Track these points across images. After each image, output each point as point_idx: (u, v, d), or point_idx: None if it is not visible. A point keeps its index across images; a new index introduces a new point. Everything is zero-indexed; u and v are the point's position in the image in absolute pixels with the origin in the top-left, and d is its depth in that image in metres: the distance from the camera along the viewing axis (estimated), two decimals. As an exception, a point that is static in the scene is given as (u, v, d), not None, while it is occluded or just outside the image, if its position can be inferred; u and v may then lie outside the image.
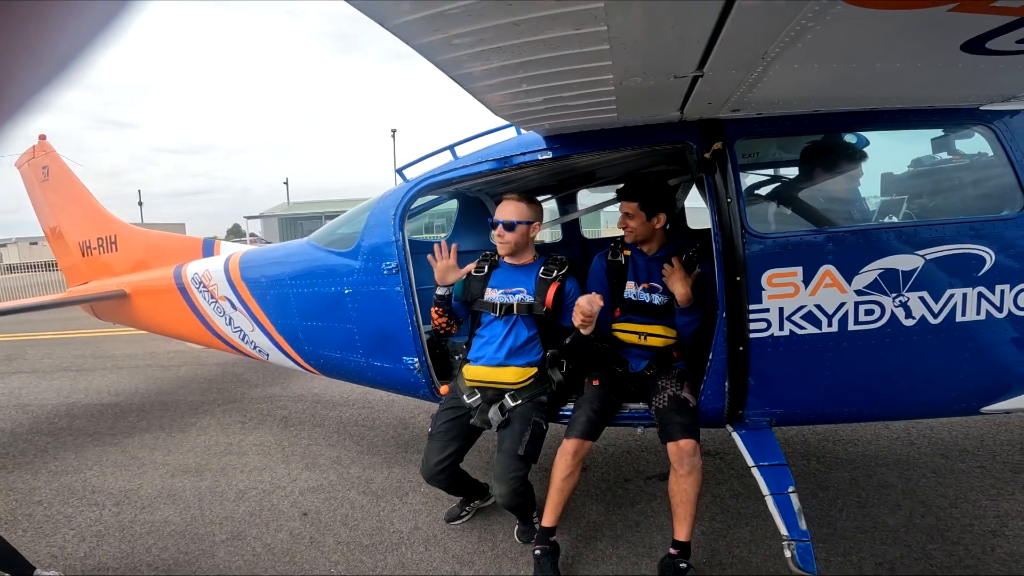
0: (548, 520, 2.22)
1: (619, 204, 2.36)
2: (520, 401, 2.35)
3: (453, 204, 3.68)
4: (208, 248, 3.82)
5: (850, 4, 0.93)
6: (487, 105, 1.65)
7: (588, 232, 4.12)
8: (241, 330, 3.24)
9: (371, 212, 2.56)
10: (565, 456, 2.20)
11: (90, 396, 5.18)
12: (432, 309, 2.44)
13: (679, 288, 2.24)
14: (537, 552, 2.19)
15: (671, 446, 2.10)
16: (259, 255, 3.24)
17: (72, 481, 3.39)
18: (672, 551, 2.16)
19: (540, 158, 2.18)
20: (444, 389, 2.55)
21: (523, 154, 2.21)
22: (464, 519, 2.72)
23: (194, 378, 5.65)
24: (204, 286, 3.34)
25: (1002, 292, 2.03)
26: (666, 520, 2.57)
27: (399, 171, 2.57)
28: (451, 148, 2.45)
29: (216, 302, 3.29)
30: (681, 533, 2.14)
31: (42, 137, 4.48)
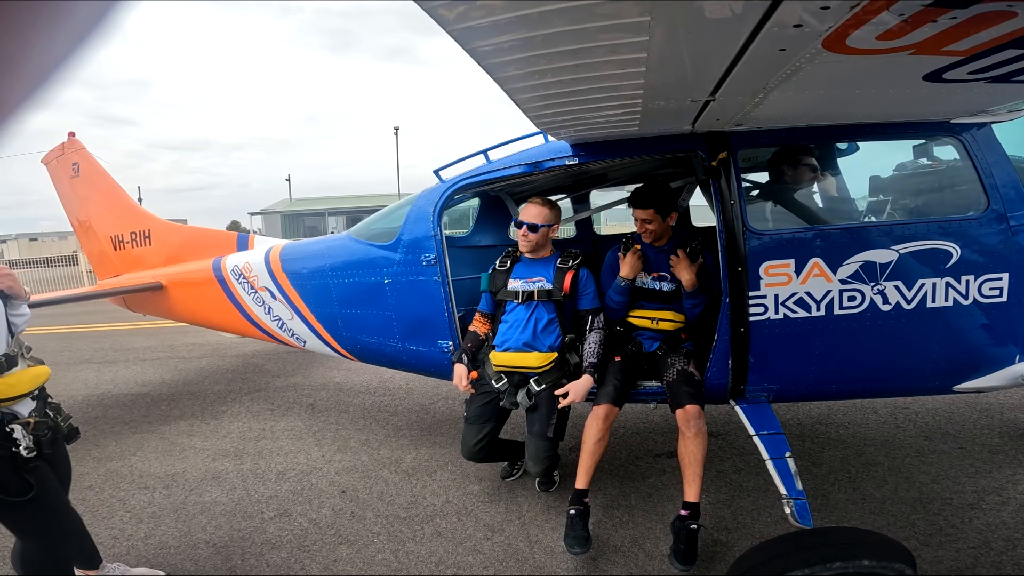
0: (581, 482, 2.48)
1: (633, 211, 2.64)
2: (544, 385, 2.64)
3: (463, 203, 3.97)
4: (243, 242, 4.07)
5: (832, 53, 1.23)
6: (526, 112, 1.90)
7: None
8: (280, 319, 3.50)
9: (411, 209, 2.84)
10: (596, 421, 2.48)
11: (118, 387, 5.41)
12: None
13: (685, 275, 2.54)
14: (572, 512, 2.42)
15: (679, 412, 2.39)
16: (300, 248, 3.51)
17: (119, 467, 3.61)
18: (683, 512, 2.38)
19: (567, 163, 2.48)
20: (474, 375, 2.83)
21: (552, 159, 2.51)
22: (516, 475, 3.16)
23: (216, 369, 5.90)
24: (244, 277, 3.60)
25: (967, 282, 2.33)
26: (675, 492, 2.86)
27: (436, 172, 2.85)
28: (484, 152, 2.74)
29: (256, 292, 3.55)
30: (690, 494, 2.37)
31: (71, 134, 4.70)
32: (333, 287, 3.14)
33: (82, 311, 9.27)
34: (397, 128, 31.36)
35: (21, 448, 1.91)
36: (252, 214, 35.91)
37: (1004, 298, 2.32)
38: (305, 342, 3.48)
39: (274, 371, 5.68)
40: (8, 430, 1.91)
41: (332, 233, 28.11)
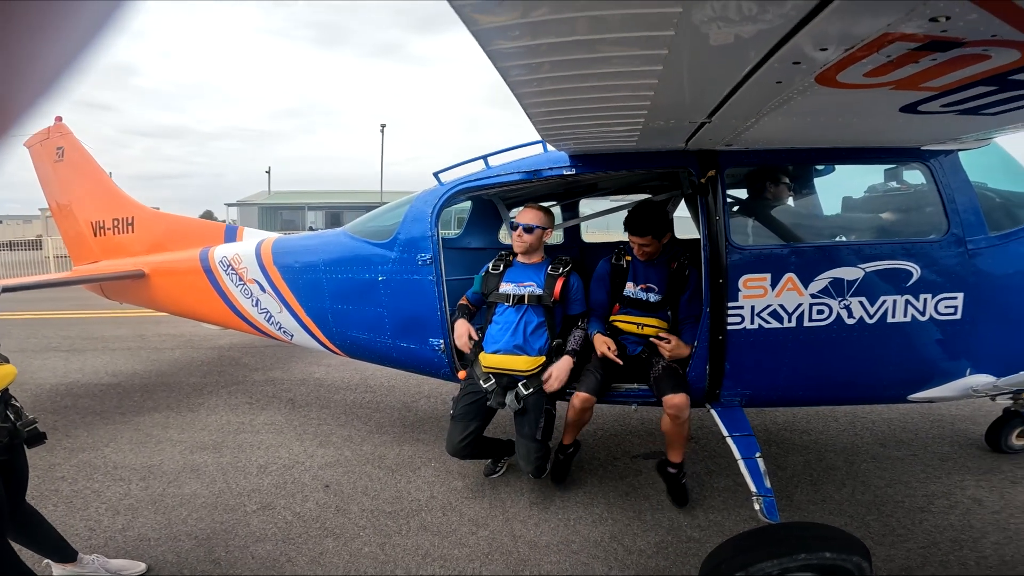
0: (567, 440, 2.98)
1: (631, 236, 2.78)
2: (532, 389, 2.74)
3: (454, 206, 4.05)
4: (231, 234, 4.04)
5: (823, 86, 1.37)
6: (533, 118, 1.94)
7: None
8: (268, 312, 3.49)
9: (409, 209, 2.90)
10: (574, 408, 2.73)
11: (88, 376, 5.24)
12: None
13: (680, 353, 2.68)
14: (561, 457, 3.01)
15: (667, 399, 2.56)
16: (293, 242, 3.52)
17: (91, 458, 3.52)
18: (671, 470, 2.82)
19: (565, 173, 2.59)
20: (462, 374, 2.91)
21: (551, 168, 2.62)
22: (499, 473, 3.24)
23: (191, 361, 5.78)
24: (232, 269, 3.57)
25: (925, 300, 2.53)
26: (651, 491, 3.06)
27: (436, 174, 2.92)
28: (484, 158, 2.82)
29: (244, 284, 3.53)
30: (676, 457, 2.78)
31: (58, 119, 4.57)
32: (325, 282, 3.16)
33: (49, 297, 8.90)
34: (384, 126, 31.24)
35: None
36: (229, 205, 35.00)
37: (958, 316, 2.51)
38: (292, 336, 3.48)
39: (252, 365, 5.60)
40: None
41: (311, 228, 27.68)
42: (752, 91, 1.39)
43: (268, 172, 39.66)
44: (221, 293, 3.69)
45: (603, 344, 2.73)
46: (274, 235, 3.88)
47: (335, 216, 32.24)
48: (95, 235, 4.61)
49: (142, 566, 2.42)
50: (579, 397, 2.70)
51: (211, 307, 3.80)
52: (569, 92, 1.57)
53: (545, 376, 2.73)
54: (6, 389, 2.00)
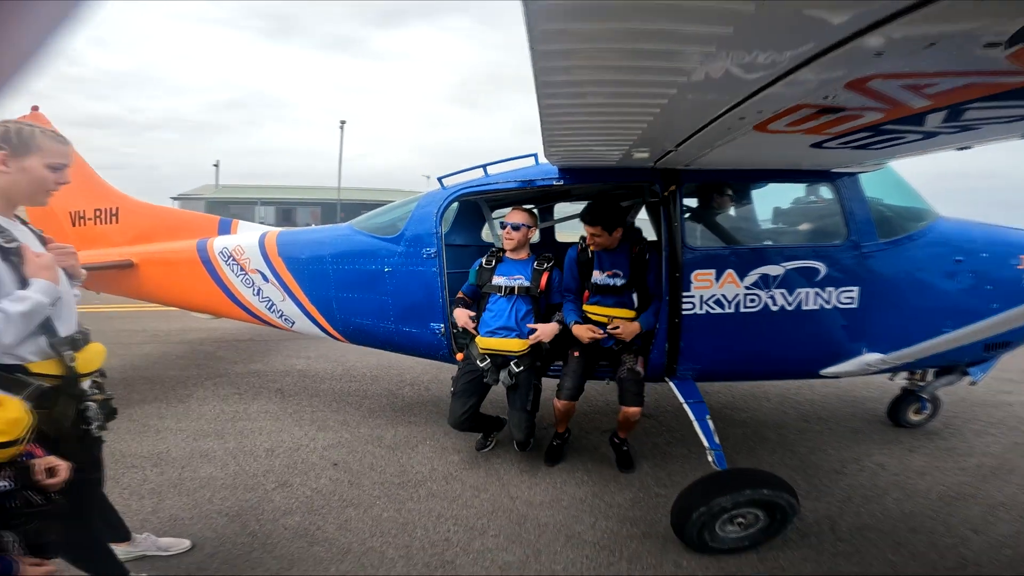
0: (560, 429, 3.40)
1: (585, 227, 3.20)
2: (523, 367, 3.18)
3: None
4: (225, 227, 4.21)
5: (758, 132, 1.93)
6: (545, 121, 2.15)
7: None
8: (270, 300, 3.73)
9: (415, 208, 3.28)
10: (559, 410, 3.24)
11: None
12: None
13: (632, 331, 3.17)
14: (555, 443, 3.47)
15: (625, 409, 3.10)
16: (299, 235, 3.78)
17: None
18: (616, 440, 3.45)
19: (554, 183, 3.08)
20: (459, 356, 3.31)
21: (543, 179, 3.10)
22: (489, 447, 3.61)
23: (164, 355, 5.76)
24: (234, 259, 3.78)
25: (830, 292, 3.18)
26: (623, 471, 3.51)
27: (440, 179, 3.31)
28: (483, 167, 3.26)
29: (246, 274, 3.75)
30: (624, 434, 3.36)
31: (35, 108, 4.52)
32: (332, 272, 3.47)
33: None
34: (343, 122, 30.69)
35: (93, 426, 1.85)
36: (174, 198, 32.97)
37: (855, 305, 3.14)
38: (293, 323, 3.74)
39: (229, 358, 5.68)
40: (82, 408, 1.83)
41: (261, 223, 26.67)
42: (710, 132, 1.93)
43: (216, 166, 37.83)
44: (220, 283, 3.88)
45: (587, 332, 3.13)
46: (276, 228, 4.11)
47: (287, 212, 31.19)
48: (73, 225, 4.60)
49: (187, 543, 2.54)
50: (562, 403, 3.17)
51: (207, 296, 3.97)
52: (581, 114, 1.99)
53: (535, 334, 3.13)
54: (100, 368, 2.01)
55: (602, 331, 3.19)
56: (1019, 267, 3.24)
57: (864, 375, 3.44)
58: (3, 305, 1.59)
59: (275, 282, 3.66)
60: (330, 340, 3.81)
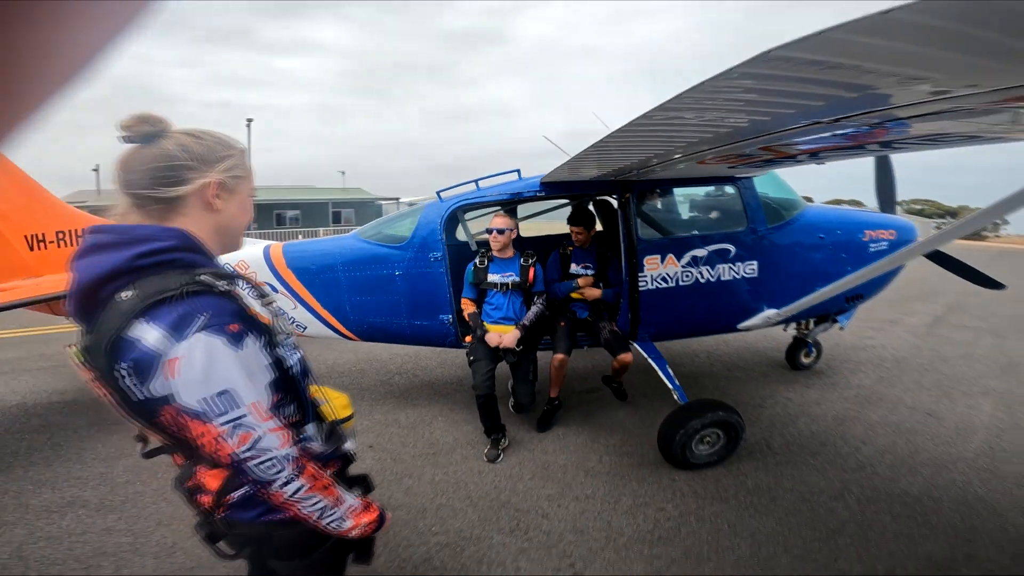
0: (553, 394, 3.98)
1: (571, 227, 4.06)
2: (522, 347, 3.86)
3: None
4: (214, 244, 4.37)
5: (697, 164, 2.82)
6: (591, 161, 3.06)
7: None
8: (280, 309, 4.06)
9: (420, 219, 3.83)
10: (554, 366, 3.95)
11: (25, 397, 4.90)
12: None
13: (594, 294, 4.05)
14: (546, 408, 3.95)
15: (621, 357, 3.91)
16: (306, 247, 4.10)
17: (123, 464, 3.63)
18: (614, 384, 4.32)
19: (537, 194, 3.81)
20: (468, 339, 3.94)
21: (529, 191, 3.81)
22: (501, 458, 3.68)
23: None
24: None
25: (739, 266, 4.29)
26: (606, 420, 4.33)
27: (438, 192, 3.88)
28: (476, 181, 3.88)
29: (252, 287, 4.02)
30: (619, 378, 4.23)
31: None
32: (344, 280, 3.91)
33: None
34: (250, 120, 28.66)
35: None
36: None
37: (756, 275, 4.27)
38: (306, 328, 4.11)
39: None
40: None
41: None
42: (668, 164, 2.79)
43: (96, 170, 33.37)
44: (223, 297, 4.10)
45: (588, 290, 4.01)
46: (276, 242, 4.37)
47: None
48: (32, 249, 4.43)
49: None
50: (557, 358, 3.95)
51: (209, 310, 4.16)
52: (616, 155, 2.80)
53: (498, 339, 3.67)
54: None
55: (571, 320, 4.09)
56: (864, 239, 4.57)
57: (766, 327, 4.51)
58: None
59: (286, 292, 3.99)
60: (337, 340, 4.22)
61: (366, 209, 41.03)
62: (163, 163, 1.05)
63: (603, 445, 3.92)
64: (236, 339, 1.02)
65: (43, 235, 4.45)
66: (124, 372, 0.99)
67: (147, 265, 1.01)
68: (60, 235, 4.46)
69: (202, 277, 1.03)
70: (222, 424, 1.02)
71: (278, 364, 1.11)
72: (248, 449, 1.05)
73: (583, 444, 3.93)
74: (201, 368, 0.98)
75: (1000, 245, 38.08)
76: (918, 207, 54.26)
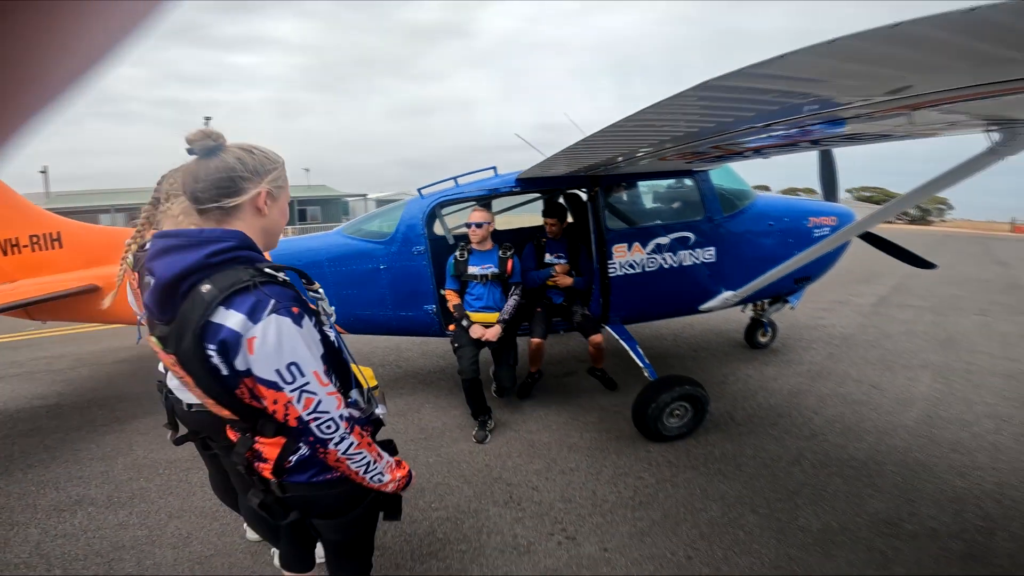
0: (533, 369, 4.37)
1: (545, 219, 4.36)
2: (503, 334, 4.14)
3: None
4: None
5: (660, 160, 3.14)
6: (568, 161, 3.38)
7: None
8: (266, 305, 4.19)
9: (403, 215, 4.02)
10: (532, 349, 4.26)
11: (6, 404, 4.83)
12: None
13: (567, 282, 4.36)
14: (528, 380, 4.34)
15: (592, 339, 4.26)
16: (294, 244, 4.23)
17: (129, 460, 3.67)
18: (598, 372, 4.61)
19: (513, 190, 4.06)
20: (452, 327, 4.17)
21: (505, 188, 4.06)
22: (489, 440, 3.91)
23: (109, 375, 5.59)
24: (224, 273, 4.13)
25: (699, 253, 4.68)
26: (584, 400, 4.63)
27: (419, 190, 4.08)
28: (454, 179, 4.10)
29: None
30: (599, 364, 4.58)
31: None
32: (330, 275, 4.06)
33: None
34: (208, 118, 27.90)
35: None
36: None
37: (715, 260, 4.66)
38: (292, 322, 4.25)
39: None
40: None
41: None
42: (632, 160, 3.10)
43: (44, 172, 31.64)
44: (208, 295, 4.19)
45: (560, 277, 4.33)
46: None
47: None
48: (5, 254, 4.38)
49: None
50: (534, 342, 4.26)
51: (194, 309, 4.24)
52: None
53: (483, 333, 3.90)
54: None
55: (547, 305, 4.40)
56: (809, 225, 5.02)
57: (725, 308, 4.90)
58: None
59: (272, 288, 4.12)
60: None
61: (332, 206, 40.33)
62: (224, 175, 1.23)
63: (583, 423, 4.24)
64: (298, 319, 1.20)
65: (16, 240, 4.43)
66: (213, 351, 1.18)
67: (218, 262, 1.19)
68: (34, 239, 4.44)
69: (266, 270, 1.22)
70: (291, 391, 1.20)
71: (325, 340, 1.33)
72: (312, 412, 1.23)
73: (564, 423, 4.24)
74: (274, 344, 1.17)
75: (946, 229, 40.83)
76: (867, 194, 57.36)
